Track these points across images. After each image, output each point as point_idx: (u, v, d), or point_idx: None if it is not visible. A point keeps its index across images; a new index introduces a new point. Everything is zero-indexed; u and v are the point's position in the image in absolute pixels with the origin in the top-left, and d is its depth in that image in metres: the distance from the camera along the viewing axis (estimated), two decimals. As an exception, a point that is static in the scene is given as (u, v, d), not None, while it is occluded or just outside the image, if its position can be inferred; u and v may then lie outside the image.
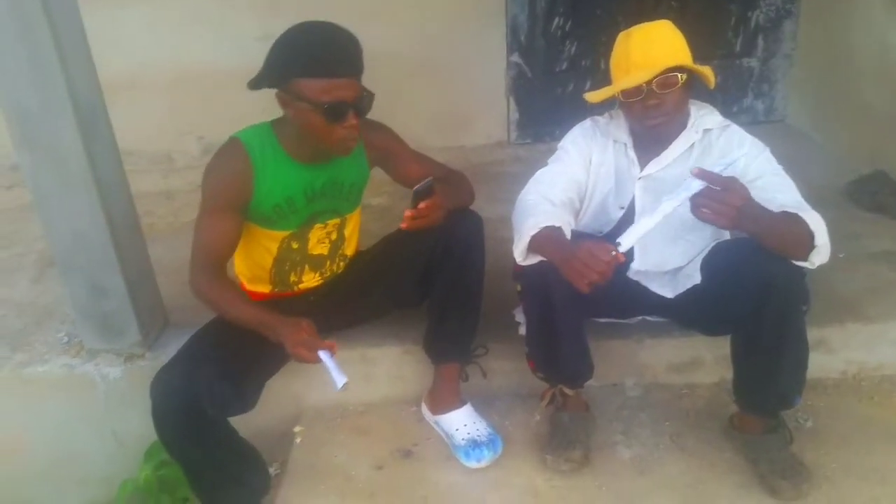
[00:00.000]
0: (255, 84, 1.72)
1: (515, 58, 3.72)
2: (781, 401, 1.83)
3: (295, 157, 1.81)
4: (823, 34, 3.54)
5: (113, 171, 1.98)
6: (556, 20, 3.65)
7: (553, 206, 1.83)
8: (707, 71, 1.78)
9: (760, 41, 3.78)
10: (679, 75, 1.73)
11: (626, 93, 1.75)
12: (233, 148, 1.79)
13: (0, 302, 2.55)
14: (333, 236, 1.98)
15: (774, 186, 1.77)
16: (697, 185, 1.52)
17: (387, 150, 1.98)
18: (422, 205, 1.72)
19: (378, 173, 2.06)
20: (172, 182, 3.56)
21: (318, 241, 1.95)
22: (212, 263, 1.79)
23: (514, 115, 3.85)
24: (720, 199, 1.52)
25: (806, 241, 1.66)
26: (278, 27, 3.74)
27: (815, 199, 2.91)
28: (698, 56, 1.78)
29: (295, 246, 1.93)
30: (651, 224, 1.55)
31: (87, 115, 1.85)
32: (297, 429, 2.13)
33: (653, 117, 1.76)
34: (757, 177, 1.78)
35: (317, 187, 1.86)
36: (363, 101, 1.70)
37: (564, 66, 3.75)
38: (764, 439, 1.85)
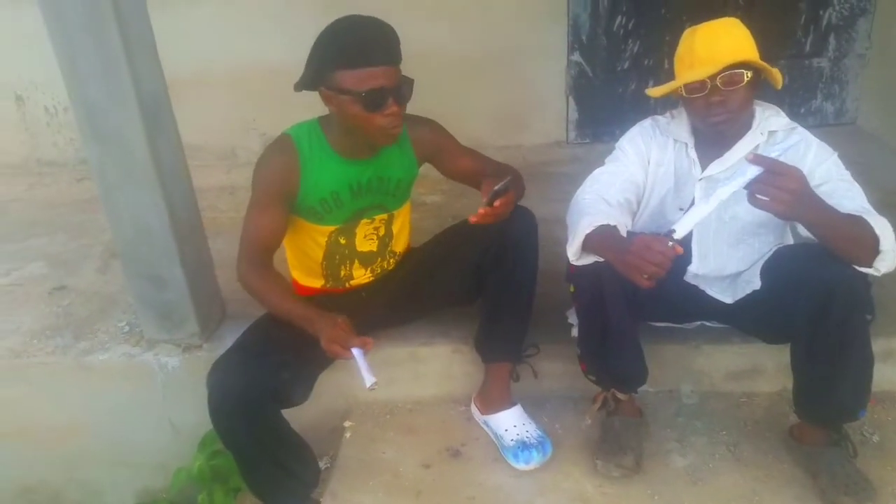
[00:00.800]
0: (300, 85, 1.75)
1: (576, 56, 3.67)
2: (844, 413, 1.76)
3: (340, 152, 1.84)
4: (900, 32, 3.40)
5: (176, 164, 2.02)
6: (619, 19, 3.59)
7: (609, 206, 1.80)
8: (775, 70, 1.72)
9: (832, 40, 3.64)
10: (745, 73, 1.68)
11: (690, 88, 1.71)
12: (282, 143, 1.83)
13: (67, 290, 2.64)
14: (381, 232, 1.98)
15: (840, 192, 1.70)
16: (754, 171, 1.46)
17: (435, 145, 1.97)
18: (497, 202, 1.70)
19: (432, 170, 2.06)
20: (235, 177, 3.62)
21: (365, 237, 1.96)
22: (259, 255, 1.83)
23: (574, 115, 3.80)
24: (776, 183, 1.46)
25: (870, 244, 1.59)
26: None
27: (886, 204, 2.81)
28: (765, 56, 1.73)
29: (343, 241, 1.94)
30: (706, 211, 1.49)
31: (151, 109, 1.89)
32: (347, 424, 2.14)
33: (716, 114, 1.71)
34: (823, 182, 1.72)
35: (363, 182, 1.87)
36: (402, 88, 1.71)
37: (626, 65, 3.69)
38: (826, 452, 1.79)
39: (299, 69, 1.80)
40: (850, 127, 3.80)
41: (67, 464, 2.39)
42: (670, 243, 1.49)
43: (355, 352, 1.66)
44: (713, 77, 1.67)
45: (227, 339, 2.09)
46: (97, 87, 1.81)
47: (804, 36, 3.65)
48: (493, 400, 2.04)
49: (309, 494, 1.96)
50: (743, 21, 1.75)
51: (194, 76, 3.46)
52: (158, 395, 2.22)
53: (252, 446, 1.79)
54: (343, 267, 1.99)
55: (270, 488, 1.90)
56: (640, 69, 3.68)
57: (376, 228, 1.97)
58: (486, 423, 2.05)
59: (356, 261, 1.99)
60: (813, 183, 1.67)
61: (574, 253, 1.74)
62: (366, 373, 1.63)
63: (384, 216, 1.96)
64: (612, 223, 1.69)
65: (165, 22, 3.32)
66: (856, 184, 1.75)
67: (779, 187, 1.46)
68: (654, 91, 1.83)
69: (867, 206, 1.70)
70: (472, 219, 1.71)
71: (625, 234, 1.71)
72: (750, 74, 1.69)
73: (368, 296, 2.03)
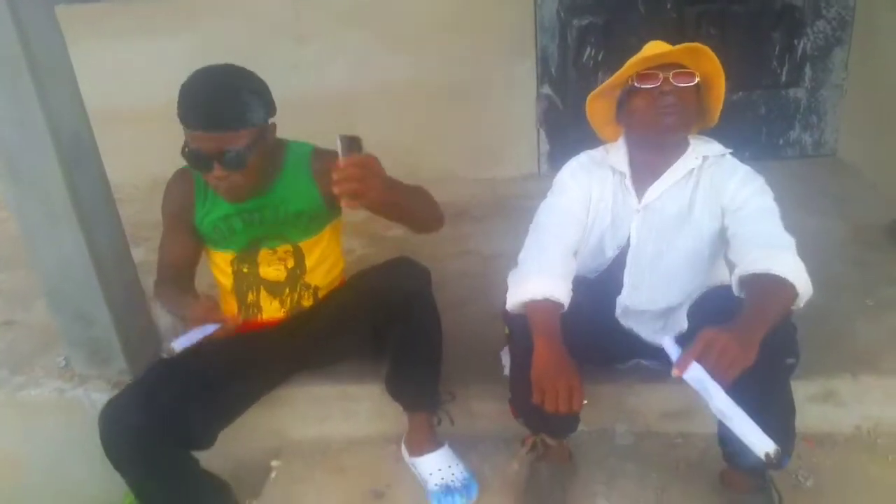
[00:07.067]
0: None
1: (546, 89, 3.66)
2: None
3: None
4: (878, 63, 3.34)
5: (99, 201, 2.01)
6: (588, 51, 3.58)
7: (564, 262, 1.76)
8: (721, 84, 1.72)
9: (808, 70, 3.60)
10: (695, 73, 1.67)
11: (642, 78, 1.68)
12: (183, 171, 1.89)
13: (14, 325, 2.65)
14: (290, 263, 1.94)
15: (753, 219, 1.68)
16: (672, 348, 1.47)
17: None
18: (340, 161, 1.40)
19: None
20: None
21: (269, 265, 1.93)
22: (169, 276, 1.87)
23: (545, 147, 3.79)
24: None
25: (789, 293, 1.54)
26: (309, 57, 3.82)
27: (855, 241, 2.76)
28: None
29: (245, 269, 1.93)
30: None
31: (69, 149, 1.88)
32: (274, 463, 2.11)
33: (668, 111, 1.66)
34: (741, 206, 1.70)
35: (254, 212, 1.86)
36: (229, 155, 1.66)
37: (596, 97, 3.66)
38: (749, 499, 1.72)
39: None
40: (830, 159, 3.74)
41: (4, 499, 2.37)
42: (585, 401, 1.51)
43: (208, 327, 1.61)
44: (666, 69, 1.64)
45: (160, 376, 2.07)
46: (11, 129, 1.81)
47: (779, 66, 3.61)
48: (418, 443, 2.00)
49: None
50: (715, 50, 1.71)
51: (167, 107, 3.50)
52: (89, 431, 2.19)
53: (149, 485, 1.76)
54: (250, 293, 1.96)
55: None
56: (610, 101, 3.65)
57: (282, 259, 1.93)
58: (413, 464, 2.01)
59: (262, 288, 1.95)
60: (734, 207, 1.70)
61: (512, 305, 1.71)
62: (183, 337, 1.59)
63: (287, 247, 1.92)
64: (562, 300, 1.66)
65: (141, 53, 3.36)
66: (776, 211, 1.70)
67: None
68: (597, 90, 1.81)
69: (782, 233, 1.65)
70: (335, 189, 1.42)
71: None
72: (698, 78, 1.68)
73: (281, 337, 1.98)
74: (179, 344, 1.58)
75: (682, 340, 1.71)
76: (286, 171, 1.86)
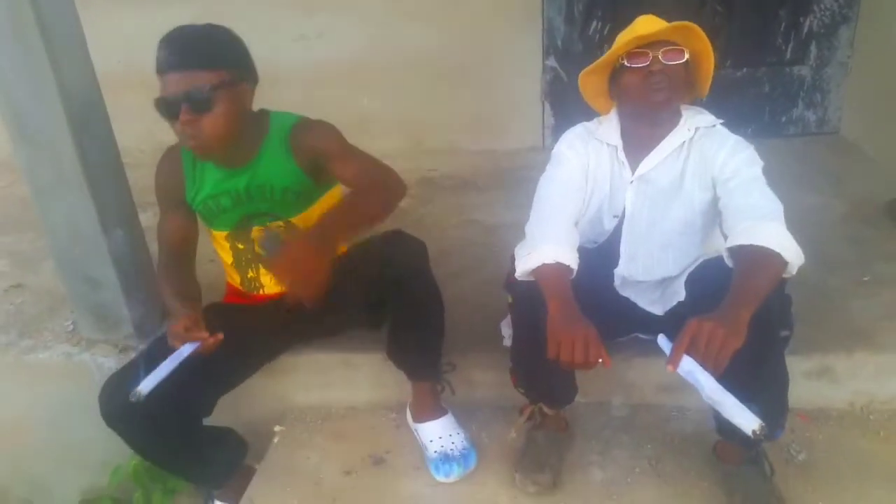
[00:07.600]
0: None
1: (551, 62, 3.65)
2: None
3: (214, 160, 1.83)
4: (884, 41, 3.33)
5: (108, 165, 2.03)
6: (595, 23, 3.57)
7: (569, 231, 1.77)
8: (710, 61, 1.72)
9: (813, 48, 3.59)
10: (685, 50, 1.67)
11: (632, 57, 1.69)
12: (170, 149, 1.89)
13: (22, 288, 2.68)
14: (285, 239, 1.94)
15: (744, 189, 1.68)
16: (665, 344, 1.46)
17: (314, 150, 1.80)
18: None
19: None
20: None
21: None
22: (167, 254, 1.91)
23: (550, 120, 3.79)
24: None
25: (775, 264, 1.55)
26: (313, 28, 3.80)
27: (854, 216, 2.79)
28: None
29: (241, 247, 1.93)
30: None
31: (79, 112, 1.90)
32: (277, 428, 2.15)
33: (658, 88, 1.67)
34: (731, 177, 1.71)
35: (240, 190, 1.83)
36: (194, 94, 1.61)
37: (601, 71, 3.66)
38: (741, 471, 1.76)
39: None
40: (833, 136, 3.75)
41: (13, 460, 2.42)
42: (601, 360, 1.49)
43: (185, 348, 1.65)
44: (655, 46, 1.65)
45: (165, 341, 2.10)
46: (22, 90, 1.84)
47: (785, 43, 3.60)
48: (421, 410, 2.04)
49: (231, 472, 2.00)
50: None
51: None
52: (95, 395, 2.23)
53: (153, 450, 1.83)
54: (250, 269, 1.97)
55: (186, 475, 1.99)
56: (615, 75, 3.64)
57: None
58: (416, 430, 2.05)
59: (260, 265, 1.96)
60: (724, 177, 1.71)
61: (522, 273, 1.72)
62: (151, 377, 1.58)
63: (280, 224, 1.90)
64: (573, 265, 1.68)
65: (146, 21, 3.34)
66: (762, 179, 1.71)
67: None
68: (588, 69, 1.81)
69: (770, 202, 1.65)
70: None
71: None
72: (688, 55, 1.68)
73: (279, 311, 1.97)
74: (146, 386, 1.56)
75: (679, 323, 1.75)
76: (268, 145, 1.81)
